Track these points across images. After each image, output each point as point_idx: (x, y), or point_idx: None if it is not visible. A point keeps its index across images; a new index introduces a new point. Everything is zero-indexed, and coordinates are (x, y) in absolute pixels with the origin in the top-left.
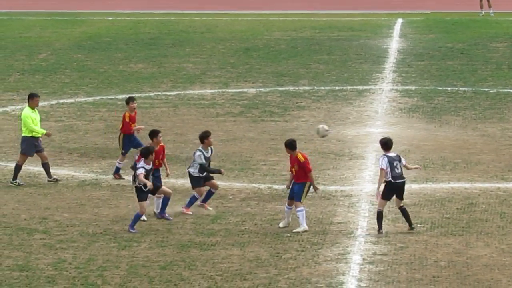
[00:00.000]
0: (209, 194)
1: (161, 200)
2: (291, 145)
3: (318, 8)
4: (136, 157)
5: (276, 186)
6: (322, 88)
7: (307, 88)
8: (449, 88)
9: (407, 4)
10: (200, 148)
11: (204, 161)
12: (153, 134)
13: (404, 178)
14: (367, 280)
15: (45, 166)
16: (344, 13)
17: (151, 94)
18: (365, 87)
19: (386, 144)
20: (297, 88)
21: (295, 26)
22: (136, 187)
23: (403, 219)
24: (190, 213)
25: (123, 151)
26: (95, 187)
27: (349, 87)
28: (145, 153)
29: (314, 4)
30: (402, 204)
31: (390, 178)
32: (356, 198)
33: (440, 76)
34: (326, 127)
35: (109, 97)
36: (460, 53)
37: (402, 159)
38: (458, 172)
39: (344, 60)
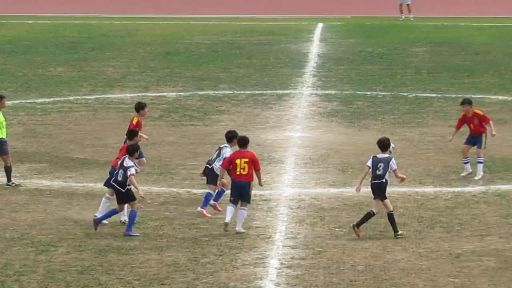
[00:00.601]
0: (221, 193)
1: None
2: (243, 141)
3: (239, 12)
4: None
5: (195, 190)
6: (242, 92)
7: (227, 92)
8: (368, 93)
9: (328, 9)
10: (227, 145)
11: None
12: (135, 133)
13: (379, 179)
14: (285, 285)
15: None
16: (265, 17)
17: (71, 98)
18: (285, 92)
19: (378, 144)
20: (217, 92)
21: (215, 30)
22: (126, 189)
23: (324, 222)
24: (210, 215)
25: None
26: (13, 192)
27: (269, 91)
28: (131, 151)
29: (235, 8)
30: (389, 210)
31: (370, 178)
32: (275, 203)
33: (360, 80)
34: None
35: (28, 101)
36: (379, 57)
37: (392, 163)
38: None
39: (264, 64)
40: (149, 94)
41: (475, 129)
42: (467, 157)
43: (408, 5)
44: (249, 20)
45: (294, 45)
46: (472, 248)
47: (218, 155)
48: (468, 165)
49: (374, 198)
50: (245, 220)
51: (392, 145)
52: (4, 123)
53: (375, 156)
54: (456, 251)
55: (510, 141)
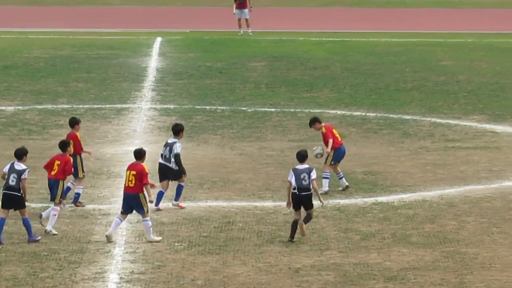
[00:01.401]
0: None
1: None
2: (139, 154)
3: (78, 26)
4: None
5: (33, 205)
6: (81, 106)
7: (65, 106)
8: (207, 107)
9: (167, 23)
10: (176, 139)
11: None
12: (68, 144)
13: (307, 191)
14: None
15: None
16: (104, 32)
17: None
18: (124, 106)
19: (298, 156)
20: (55, 106)
21: (54, 44)
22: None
23: (163, 236)
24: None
25: (84, 174)
26: None
27: (108, 106)
28: (20, 154)
29: (74, 22)
30: (310, 212)
31: (295, 190)
32: (114, 217)
33: (199, 95)
34: (317, 149)
35: None
36: (218, 72)
37: (312, 173)
38: (216, 191)
39: (103, 78)
40: None
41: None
42: (340, 173)
43: (246, 19)
44: (88, 34)
45: (133, 60)
46: (311, 263)
47: (170, 151)
48: (343, 180)
49: (296, 210)
50: (151, 229)
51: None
52: None
53: (295, 168)
54: (295, 265)
55: (349, 155)
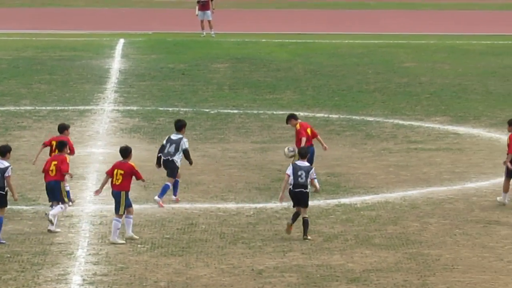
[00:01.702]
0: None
1: None
2: (125, 152)
3: (40, 28)
4: None
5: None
6: (44, 108)
7: (28, 108)
8: (170, 109)
9: (129, 25)
10: (181, 135)
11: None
12: (65, 144)
13: (305, 188)
14: None
15: None
16: (67, 33)
17: None
18: (86, 107)
19: (299, 152)
20: (18, 108)
21: (17, 45)
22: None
23: (124, 239)
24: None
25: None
26: None
27: (70, 107)
28: (3, 151)
29: (36, 24)
30: (305, 216)
31: (291, 186)
32: (77, 219)
33: (162, 96)
34: (291, 148)
35: None
36: (181, 73)
37: (312, 172)
38: (179, 193)
39: (66, 80)
40: None
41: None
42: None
43: (209, 21)
44: (51, 36)
45: (96, 61)
46: (274, 264)
47: (177, 149)
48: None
49: (295, 206)
50: (118, 232)
51: (290, 148)
52: None
53: (295, 164)
54: (258, 267)
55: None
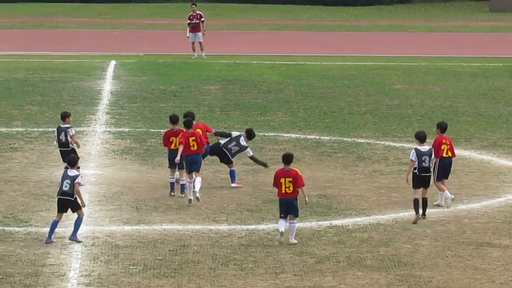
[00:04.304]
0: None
1: None
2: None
3: (32, 50)
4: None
5: None
6: (36, 129)
7: (20, 129)
8: (161, 130)
9: (120, 46)
10: (240, 133)
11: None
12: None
13: (429, 172)
14: None
15: None
16: (58, 55)
17: None
18: (78, 129)
19: (418, 136)
20: (10, 129)
21: (8, 67)
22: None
23: (118, 259)
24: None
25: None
26: None
27: None
28: (73, 162)
29: (27, 45)
30: (425, 196)
31: (416, 170)
32: (69, 240)
33: (153, 118)
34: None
35: None
36: (173, 95)
37: (433, 156)
38: (171, 214)
39: (58, 101)
40: None
41: None
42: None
43: (200, 43)
44: (42, 57)
45: (87, 83)
46: (266, 286)
47: (232, 142)
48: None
49: (415, 188)
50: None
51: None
52: None
53: (417, 149)
54: None
55: (304, 179)
